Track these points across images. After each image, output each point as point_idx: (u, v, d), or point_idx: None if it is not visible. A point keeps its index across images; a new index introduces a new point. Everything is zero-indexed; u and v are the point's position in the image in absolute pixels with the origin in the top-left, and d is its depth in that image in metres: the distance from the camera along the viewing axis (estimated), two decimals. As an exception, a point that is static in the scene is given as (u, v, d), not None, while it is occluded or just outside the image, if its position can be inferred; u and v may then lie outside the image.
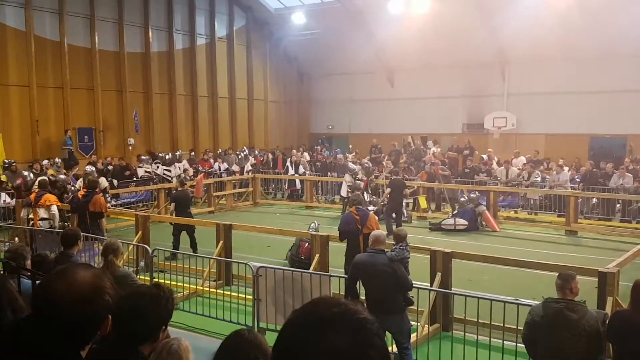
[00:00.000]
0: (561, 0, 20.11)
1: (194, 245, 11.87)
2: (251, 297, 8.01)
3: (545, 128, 23.45)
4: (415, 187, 17.32)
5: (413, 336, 6.84)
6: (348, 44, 24.82)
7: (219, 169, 21.45)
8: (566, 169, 18.25)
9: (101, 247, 6.64)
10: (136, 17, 22.39)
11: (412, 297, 6.60)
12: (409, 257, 6.82)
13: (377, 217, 9.79)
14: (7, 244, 11.42)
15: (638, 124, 21.25)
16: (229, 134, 26.51)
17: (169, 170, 19.82)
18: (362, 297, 6.56)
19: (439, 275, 7.91)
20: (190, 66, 24.67)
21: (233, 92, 26.57)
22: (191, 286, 9.26)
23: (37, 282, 3.67)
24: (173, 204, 12.80)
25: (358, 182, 16.29)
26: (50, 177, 14.95)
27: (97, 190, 11.36)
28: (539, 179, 17.56)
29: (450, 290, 7.80)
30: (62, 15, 19.88)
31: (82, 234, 7.02)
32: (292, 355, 1.19)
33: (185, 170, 19.35)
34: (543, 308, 4.89)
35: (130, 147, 22.12)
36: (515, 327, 6.20)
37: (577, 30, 20.44)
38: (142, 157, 20.22)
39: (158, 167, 19.88)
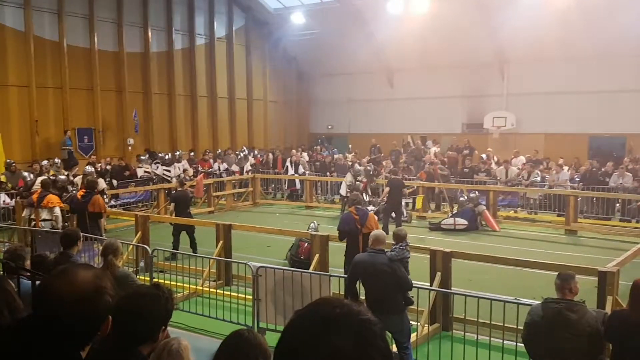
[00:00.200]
0: (560, 0, 20.13)
1: (193, 246, 11.86)
2: (251, 297, 8.01)
3: (544, 128, 23.45)
4: (415, 186, 17.32)
5: (413, 336, 6.84)
6: (347, 44, 24.81)
7: (219, 169, 21.45)
8: (566, 168, 18.27)
9: (101, 248, 6.64)
10: (135, 18, 22.39)
11: (412, 296, 6.60)
12: (408, 257, 6.82)
13: (376, 217, 9.79)
14: (7, 244, 11.42)
15: (637, 124, 21.27)
16: (228, 134, 26.51)
17: (169, 171, 19.82)
18: (362, 297, 6.56)
19: (438, 275, 7.91)
20: (190, 66, 24.67)
21: (232, 92, 26.57)
22: (191, 286, 9.26)
23: (37, 282, 3.67)
24: (173, 204, 12.80)
25: (358, 183, 16.30)
26: (51, 177, 14.95)
27: (96, 190, 11.36)
28: (538, 178, 17.57)
29: (450, 290, 7.80)
30: (62, 16, 19.88)
31: (81, 234, 7.01)
32: (295, 356, 1.18)
33: (185, 171, 19.35)
34: (542, 308, 4.88)
35: (129, 148, 22.12)
36: (515, 326, 6.20)
37: (576, 30, 20.45)
38: (142, 157, 20.21)
39: (157, 167, 19.88)
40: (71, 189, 14.94)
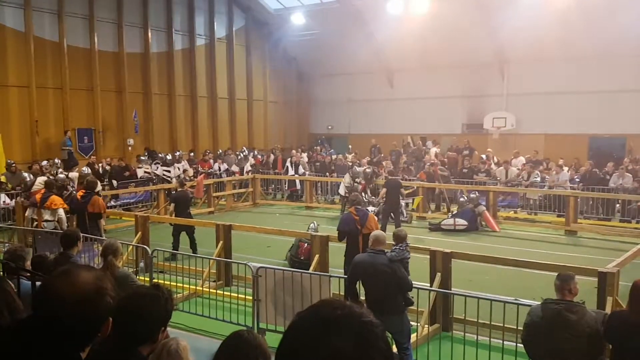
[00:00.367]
0: (560, 0, 20.13)
1: (193, 246, 11.86)
2: (251, 297, 8.01)
3: (544, 128, 23.45)
4: (415, 187, 17.32)
5: (413, 336, 6.84)
6: (347, 44, 24.82)
7: (219, 170, 21.46)
8: (566, 169, 18.27)
9: (100, 248, 6.63)
10: (135, 18, 22.40)
11: (412, 297, 6.60)
12: (409, 258, 6.82)
13: (376, 218, 9.79)
14: (7, 244, 11.42)
15: (637, 124, 21.28)
16: (228, 134, 26.52)
17: (169, 171, 19.83)
18: (362, 298, 6.56)
19: (438, 276, 7.91)
20: (190, 67, 24.67)
21: (232, 92, 26.58)
22: (191, 287, 9.25)
23: (38, 283, 3.67)
24: (173, 205, 12.80)
25: (356, 184, 16.28)
26: (50, 176, 14.95)
27: (99, 192, 11.37)
28: (538, 179, 17.57)
29: (450, 290, 7.80)
30: (62, 16, 19.89)
31: (81, 234, 7.01)
32: (296, 357, 1.18)
33: (185, 171, 19.35)
34: (542, 309, 4.88)
35: (129, 148, 22.13)
36: (515, 327, 6.20)
37: (576, 30, 20.46)
38: (142, 158, 20.22)
39: (157, 167, 19.89)
40: (71, 185, 14.92)
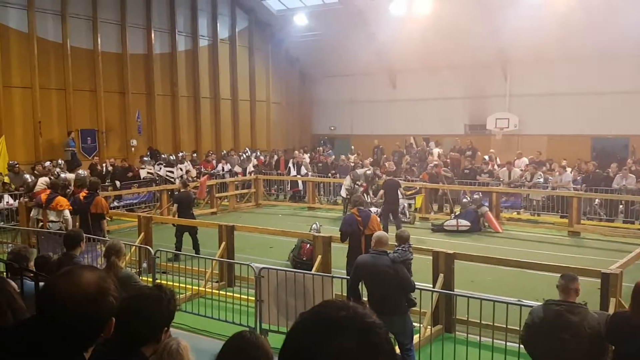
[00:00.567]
0: (562, 0, 20.10)
1: (196, 247, 11.88)
2: (253, 298, 8.01)
3: (547, 129, 23.40)
4: (418, 188, 17.31)
5: (415, 337, 6.84)
6: (350, 45, 24.83)
7: (222, 170, 21.48)
8: (569, 169, 18.23)
9: (103, 249, 6.65)
10: (138, 19, 22.44)
11: (415, 298, 6.60)
12: (411, 259, 6.81)
13: (379, 219, 9.78)
14: (10, 245, 11.45)
15: (640, 125, 21.23)
16: (231, 135, 26.54)
17: (172, 172, 19.85)
18: (365, 298, 6.56)
19: (441, 277, 7.91)
20: (193, 68, 24.71)
21: (235, 93, 26.60)
22: (193, 287, 9.27)
23: (42, 283, 3.67)
24: (175, 205, 12.83)
25: (357, 187, 16.25)
26: (51, 177, 14.99)
27: (98, 191, 11.39)
28: (541, 180, 17.55)
29: (453, 291, 7.80)
30: (65, 17, 19.93)
31: (84, 235, 7.02)
32: (299, 359, 1.19)
33: (187, 172, 19.38)
34: (543, 310, 4.88)
35: (132, 149, 22.16)
36: (518, 328, 6.17)
37: (578, 30, 20.41)
38: (145, 158, 20.25)
39: (160, 168, 19.91)
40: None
